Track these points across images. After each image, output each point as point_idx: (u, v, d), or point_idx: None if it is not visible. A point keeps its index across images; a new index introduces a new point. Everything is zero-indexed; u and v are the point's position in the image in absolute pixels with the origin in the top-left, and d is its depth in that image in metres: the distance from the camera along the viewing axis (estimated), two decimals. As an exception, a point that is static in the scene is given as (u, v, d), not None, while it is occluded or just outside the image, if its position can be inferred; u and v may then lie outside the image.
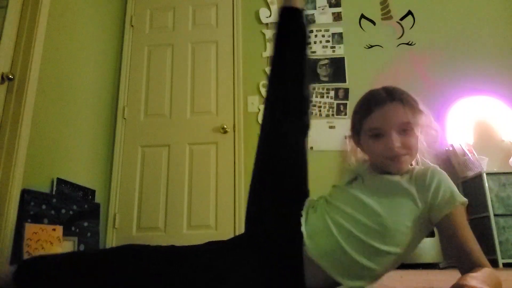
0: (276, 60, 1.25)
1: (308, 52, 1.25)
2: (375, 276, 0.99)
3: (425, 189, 0.96)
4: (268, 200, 1.07)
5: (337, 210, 1.00)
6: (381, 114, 0.99)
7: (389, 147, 0.97)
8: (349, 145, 1.14)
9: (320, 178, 2.83)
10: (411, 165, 1.04)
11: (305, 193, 1.13)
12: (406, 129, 0.98)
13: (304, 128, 1.17)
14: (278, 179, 1.08)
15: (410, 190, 0.97)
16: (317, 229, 0.98)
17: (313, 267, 0.96)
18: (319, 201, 1.08)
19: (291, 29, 1.26)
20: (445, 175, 0.98)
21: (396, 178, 1.00)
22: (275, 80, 1.24)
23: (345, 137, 2.81)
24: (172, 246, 1.02)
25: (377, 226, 0.94)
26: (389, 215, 0.94)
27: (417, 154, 1.02)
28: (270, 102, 1.23)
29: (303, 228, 0.99)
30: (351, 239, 0.94)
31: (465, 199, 0.95)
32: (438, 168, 1.00)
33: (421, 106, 1.03)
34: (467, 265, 0.90)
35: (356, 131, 1.08)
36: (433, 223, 0.96)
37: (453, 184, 0.98)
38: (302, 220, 1.02)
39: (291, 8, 1.28)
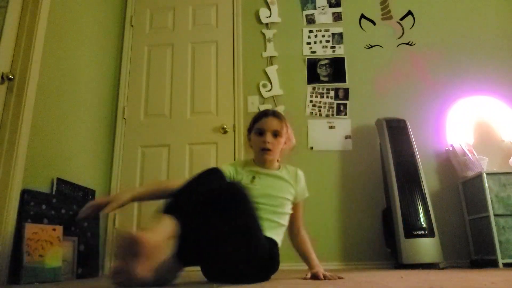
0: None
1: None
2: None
3: (297, 182, 1.65)
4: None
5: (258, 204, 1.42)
6: (265, 121, 1.61)
7: (263, 140, 1.58)
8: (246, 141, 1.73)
9: (320, 178, 2.84)
10: (278, 161, 1.67)
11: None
12: (276, 135, 1.60)
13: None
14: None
15: (290, 180, 1.62)
16: None
17: None
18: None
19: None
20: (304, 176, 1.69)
21: (279, 173, 1.63)
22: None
23: (345, 137, 2.85)
24: None
25: (279, 207, 1.54)
26: (283, 197, 1.57)
27: (278, 153, 1.62)
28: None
29: None
30: (265, 222, 1.39)
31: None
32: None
33: (288, 124, 1.65)
34: (296, 230, 1.67)
35: (249, 131, 1.68)
36: (292, 204, 1.62)
37: None
38: None
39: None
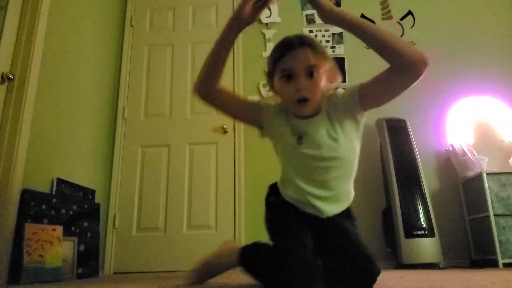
0: None
1: None
2: None
3: (349, 102, 1.13)
4: None
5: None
6: (292, 57, 1.09)
7: (297, 89, 1.08)
8: (266, 90, 1.24)
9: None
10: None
11: None
12: (312, 72, 1.09)
13: None
14: None
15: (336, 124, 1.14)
16: None
17: None
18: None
19: None
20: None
21: (319, 117, 1.15)
22: None
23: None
24: None
25: (348, 165, 1.18)
26: (345, 147, 1.15)
27: (319, 98, 1.13)
28: None
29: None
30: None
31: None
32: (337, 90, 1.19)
33: (327, 54, 1.15)
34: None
35: (271, 75, 1.18)
36: (361, 112, 1.15)
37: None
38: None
39: None
